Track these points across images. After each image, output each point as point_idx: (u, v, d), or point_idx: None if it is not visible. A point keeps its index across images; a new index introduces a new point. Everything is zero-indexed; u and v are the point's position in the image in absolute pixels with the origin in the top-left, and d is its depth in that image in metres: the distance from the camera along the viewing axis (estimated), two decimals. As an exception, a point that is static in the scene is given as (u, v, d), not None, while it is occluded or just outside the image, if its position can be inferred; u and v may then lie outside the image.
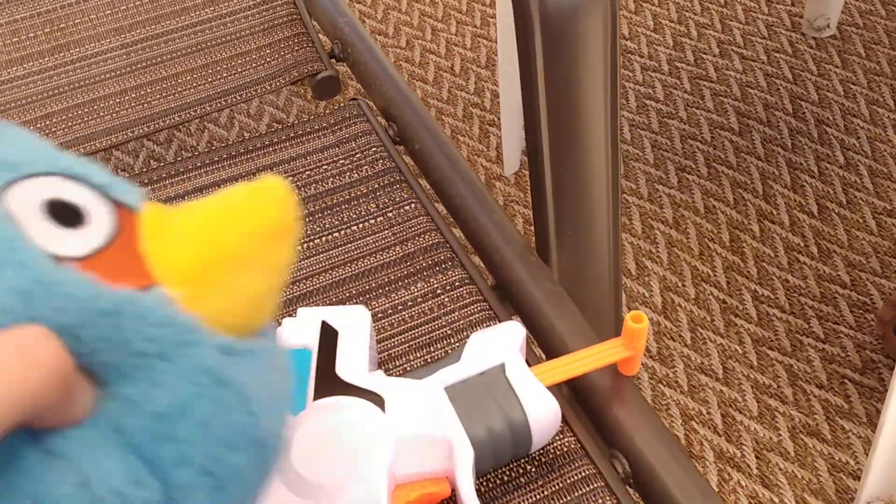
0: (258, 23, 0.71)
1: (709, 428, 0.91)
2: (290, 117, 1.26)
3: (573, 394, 0.46)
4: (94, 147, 0.65)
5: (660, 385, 0.94)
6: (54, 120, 0.66)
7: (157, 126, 0.66)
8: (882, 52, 1.27)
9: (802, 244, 1.05)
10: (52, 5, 0.70)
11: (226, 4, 0.71)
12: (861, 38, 1.29)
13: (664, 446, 0.42)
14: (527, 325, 0.50)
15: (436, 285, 0.51)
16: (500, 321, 0.49)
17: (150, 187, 0.60)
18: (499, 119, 1.25)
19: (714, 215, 1.09)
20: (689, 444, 0.90)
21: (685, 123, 1.21)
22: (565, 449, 0.42)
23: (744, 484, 0.86)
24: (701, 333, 0.98)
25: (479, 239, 0.54)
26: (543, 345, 0.48)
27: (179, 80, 0.68)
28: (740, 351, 0.96)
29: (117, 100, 0.67)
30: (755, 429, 0.90)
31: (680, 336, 0.98)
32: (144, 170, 0.62)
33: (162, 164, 0.62)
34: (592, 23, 0.44)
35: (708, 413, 0.92)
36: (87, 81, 0.68)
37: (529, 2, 0.43)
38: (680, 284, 1.03)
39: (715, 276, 1.03)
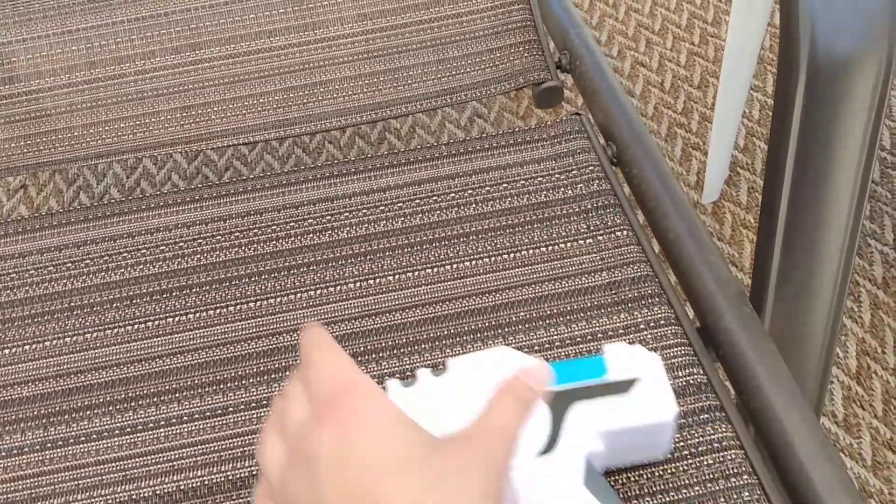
0: (491, 25, 0.72)
1: (889, 510, 0.84)
2: (495, 125, 1.28)
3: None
4: (322, 126, 0.69)
5: (841, 454, 0.88)
6: (291, 95, 0.70)
7: (382, 115, 0.69)
8: None
9: None
10: (305, -13, 0.73)
11: (465, 3, 0.72)
12: None
13: None
14: (731, 377, 0.48)
15: (639, 319, 0.50)
16: (703, 368, 0.47)
17: (365, 174, 0.63)
18: (704, 143, 1.20)
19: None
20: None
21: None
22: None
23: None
24: (894, 407, 0.91)
25: (689, 278, 0.52)
26: (748, 401, 0.46)
27: (410, 73, 0.70)
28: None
29: (351, 84, 0.70)
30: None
31: (871, 406, 0.91)
32: (354, 158, 0.64)
33: (369, 156, 0.64)
34: (863, 82, 0.41)
35: (890, 493, 0.85)
36: (326, 62, 0.71)
37: (799, 48, 0.41)
38: (880, 350, 0.95)
39: (921, 348, 0.95)
